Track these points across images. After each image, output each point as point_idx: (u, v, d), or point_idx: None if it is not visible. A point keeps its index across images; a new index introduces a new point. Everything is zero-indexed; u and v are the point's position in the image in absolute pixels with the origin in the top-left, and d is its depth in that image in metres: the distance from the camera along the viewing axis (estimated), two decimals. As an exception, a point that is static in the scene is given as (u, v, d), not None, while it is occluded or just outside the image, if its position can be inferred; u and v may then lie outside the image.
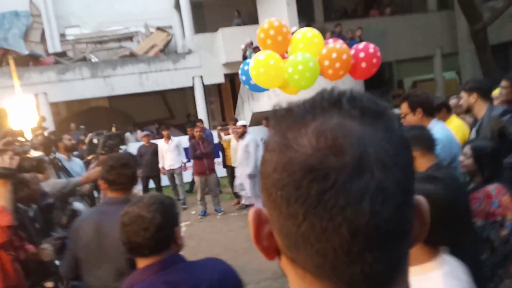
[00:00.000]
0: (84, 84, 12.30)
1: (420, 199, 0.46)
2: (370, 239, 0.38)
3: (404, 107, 2.67)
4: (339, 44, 3.98)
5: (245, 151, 6.45)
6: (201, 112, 13.23)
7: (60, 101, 12.71)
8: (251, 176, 6.44)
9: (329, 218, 0.38)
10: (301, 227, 0.39)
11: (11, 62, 9.29)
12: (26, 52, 13.29)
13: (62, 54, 13.75)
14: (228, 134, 7.60)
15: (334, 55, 3.77)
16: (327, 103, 0.42)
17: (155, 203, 1.34)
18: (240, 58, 10.75)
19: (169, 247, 1.36)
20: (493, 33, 12.59)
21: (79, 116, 14.06)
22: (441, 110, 3.54)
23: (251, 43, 10.73)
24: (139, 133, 11.97)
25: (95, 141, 5.15)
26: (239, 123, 6.74)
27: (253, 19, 13.60)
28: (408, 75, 16.40)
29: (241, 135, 6.58)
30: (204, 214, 7.15)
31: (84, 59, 13.42)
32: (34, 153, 2.49)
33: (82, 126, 11.09)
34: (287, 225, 0.40)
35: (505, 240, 2.05)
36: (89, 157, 4.50)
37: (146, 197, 1.38)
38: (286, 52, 4.26)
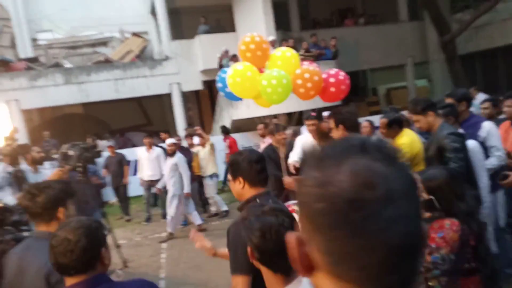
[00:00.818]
0: (58, 91, 11.98)
1: None
2: (404, 252, 0.49)
3: (331, 123, 3.02)
4: (313, 67, 4.21)
5: (172, 169, 6.28)
6: (179, 119, 13.15)
7: (32, 108, 12.32)
8: (188, 195, 6.43)
9: (369, 239, 0.48)
10: (345, 247, 0.49)
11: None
12: (-5, 57, 12.85)
13: (34, 60, 13.34)
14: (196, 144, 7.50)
15: (306, 75, 3.95)
16: (354, 148, 0.53)
17: (82, 227, 1.45)
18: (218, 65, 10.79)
19: (94, 268, 1.46)
20: (461, 43, 13.17)
21: (53, 123, 13.68)
22: (392, 126, 3.52)
23: (227, 52, 10.74)
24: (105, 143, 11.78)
25: (70, 153, 5.04)
26: (168, 141, 6.46)
27: (220, 27, 13.62)
28: (381, 83, 16.88)
29: (171, 154, 6.36)
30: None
31: (57, 65, 13.07)
32: None
33: (49, 139, 10.71)
34: (331, 245, 0.50)
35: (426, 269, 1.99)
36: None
37: (73, 221, 1.49)
38: (264, 67, 4.39)
